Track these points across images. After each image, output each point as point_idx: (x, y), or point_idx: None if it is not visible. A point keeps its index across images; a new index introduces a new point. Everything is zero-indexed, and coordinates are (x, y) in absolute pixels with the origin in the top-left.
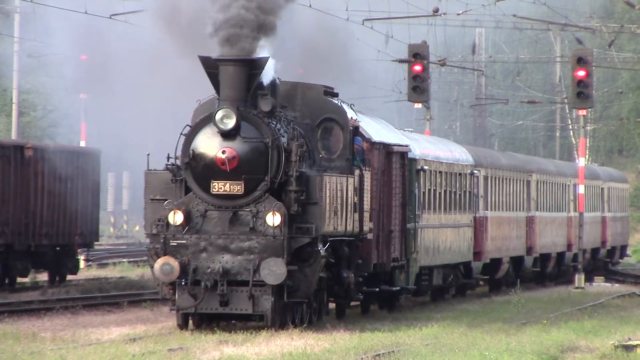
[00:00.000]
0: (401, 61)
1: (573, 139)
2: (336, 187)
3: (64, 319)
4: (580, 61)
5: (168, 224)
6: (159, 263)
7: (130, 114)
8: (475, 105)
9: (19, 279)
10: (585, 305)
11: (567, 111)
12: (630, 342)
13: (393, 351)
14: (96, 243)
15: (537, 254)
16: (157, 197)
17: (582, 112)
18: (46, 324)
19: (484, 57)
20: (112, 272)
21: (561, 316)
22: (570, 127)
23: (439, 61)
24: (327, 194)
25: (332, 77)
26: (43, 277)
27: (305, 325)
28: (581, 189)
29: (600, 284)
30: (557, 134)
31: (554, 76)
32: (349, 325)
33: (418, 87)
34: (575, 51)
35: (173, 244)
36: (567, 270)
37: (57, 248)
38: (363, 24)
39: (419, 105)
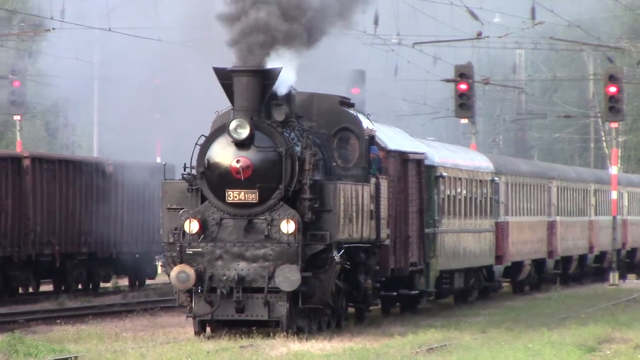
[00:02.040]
0: (448, 81)
1: (606, 149)
2: (351, 195)
3: (143, 320)
4: (612, 78)
5: (184, 232)
6: (175, 271)
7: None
8: (516, 120)
9: (102, 284)
10: (619, 300)
11: (601, 124)
12: None
13: (445, 345)
14: None
15: (558, 257)
16: (174, 206)
17: (614, 125)
18: (127, 325)
19: (523, 75)
20: None
21: (598, 311)
22: (604, 138)
23: (483, 80)
24: (342, 202)
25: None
26: (124, 282)
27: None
28: (614, 195)
29: (632, 281)
30: (592, 145)
31: (587, 92)
32: (404, 322)
33: (464, 104)
34: (607, 69)
35: (189, 252)
36: (589, 272)
37: (137, 255)
38: (413, 47)
39: (465, 121)
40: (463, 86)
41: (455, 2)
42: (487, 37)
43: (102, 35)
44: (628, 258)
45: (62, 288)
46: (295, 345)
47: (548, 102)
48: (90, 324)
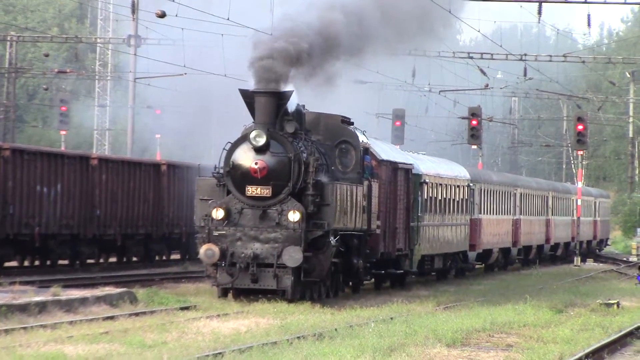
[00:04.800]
0: (463, 118)
1: (574, 169)
2: (346, 193)
3: None
4: (579, 119)
5: (212, 218)
6: (203, 248)
7: None
8: (510, 147)
9: None
10: (580, 277)
11: (570, 152)
12: (610, 301)
13: (456, 304)
14: None
15: (520, 246)
16: (205, 198)
17: (580, 152)
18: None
19: (517, 116)
20: None
21: (565, 284)
22: (572, 162)
23: (488, 118)
24: (338, 198)
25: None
26: None
27: (323, 299)
28: (579, 202)
29: (590, 263)
30: (564, 166)
31: (562, 129)
32: (429, 288)
33: (474, 135)
34: (576, 113)
35: (215, 233)
36: (545, 258)
37: None
38: (439, 94)
39: (474, 147)
40: (474, 122)
41: (470, 62)
42: (492, 88)
43: (219, 79)
44: (578, 248)
45: (187, 257)
46: (350, 302)
47: (534, 135)
48: (206, 282)
